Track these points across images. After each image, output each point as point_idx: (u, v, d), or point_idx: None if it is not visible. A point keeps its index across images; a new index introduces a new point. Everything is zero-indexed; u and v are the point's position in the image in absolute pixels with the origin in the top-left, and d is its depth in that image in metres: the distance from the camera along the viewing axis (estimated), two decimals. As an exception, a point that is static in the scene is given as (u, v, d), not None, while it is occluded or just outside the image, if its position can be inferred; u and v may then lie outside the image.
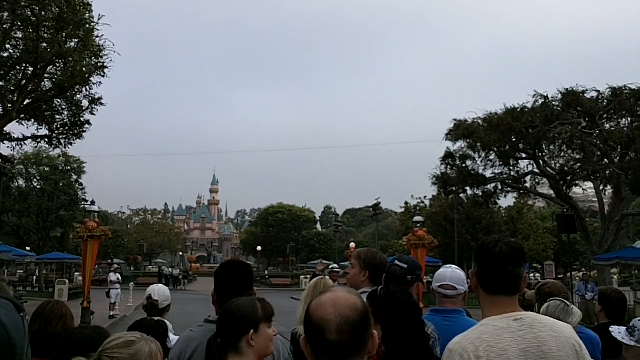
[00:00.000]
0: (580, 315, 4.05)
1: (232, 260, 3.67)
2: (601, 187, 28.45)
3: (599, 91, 26.46)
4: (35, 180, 54.09)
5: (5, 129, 22.74)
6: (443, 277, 3.87)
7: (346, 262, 37.64)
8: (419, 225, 24.66)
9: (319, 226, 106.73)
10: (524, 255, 2.49)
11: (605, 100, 26.12)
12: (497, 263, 2.40)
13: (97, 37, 21.92)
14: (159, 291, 5.09)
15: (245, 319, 2.53)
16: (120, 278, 25.10)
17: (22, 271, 55.91)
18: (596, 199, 30.12)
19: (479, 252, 2.48)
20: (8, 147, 24.65)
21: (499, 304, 2.39)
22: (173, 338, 4.25)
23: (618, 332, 3.70)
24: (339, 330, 1.71)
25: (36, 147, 26.86)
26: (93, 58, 22.14)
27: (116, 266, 27.92)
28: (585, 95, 26.50)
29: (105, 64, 22.30)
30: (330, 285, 4.45)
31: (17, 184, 51.46)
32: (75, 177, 55.51)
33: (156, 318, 4.50)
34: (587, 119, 26.06)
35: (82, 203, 47.07)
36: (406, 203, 52.55)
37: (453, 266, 4.08)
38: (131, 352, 2.01)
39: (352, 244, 45.80)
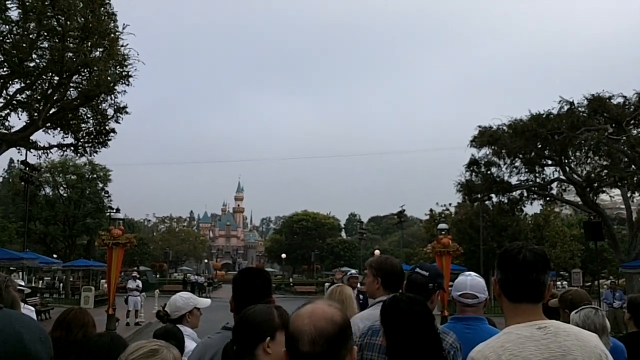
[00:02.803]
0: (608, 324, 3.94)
1: (250, 267, 3.64)
2: (629, 194, 27.93)
3: (625, 97, 26.04)
4: (61, 188, 54.85)
5: (31, 137, 23.10)
6: (463, 285, 3.82)
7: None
8: (443, 232, 24.46)
9: (343, 233, 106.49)
10: (549, 263, 2.43)
11: (632, 106, 25.69)
12: (520, 270, 2.34)
13: (122, 46, 22.19)
14: (172, 302, 4.89)
15: (261, 327, 2.47)
16: (140, 285, 25.16)
17: (48, 278, 56.65)
18: (624, 206, 29.59)
19: (502, 259, 2.44)
20: (35, 155, 25.05)
21: (523, 312, 2.33)
22: (188, 344, 4.13)
23: None
24: (312, 341, 1.71)
25: (62, 155, 27.26)
26: (118, 67, 22.39)
27: (135, 274, 28.03)
28: (612, 100, 26.09)
29: (129, 73, 22.56)
30: (348, 292, 4.59)
31: (43, 192, 52.22)
32: (101, 185, 56.15)
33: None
34: (613, 125, 25.62)
35: (108, 211, 47.58)
36: (431, 210, 52.18)
37: (472, 273, 4.01)
38: None
39: (377, 252, 45.62)
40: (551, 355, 2.19)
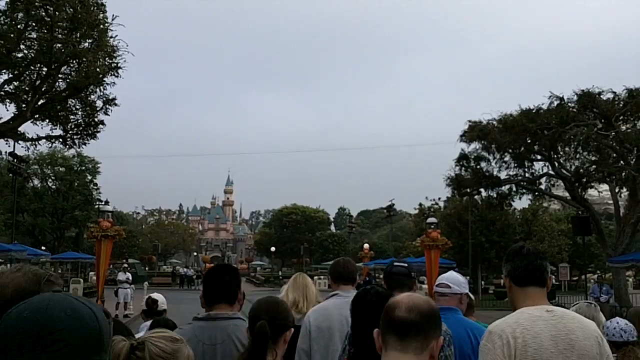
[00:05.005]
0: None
1: (219, 264, 3.90)
2: (617, 189, 28.15)
3: (615, 92, 26.21)
4: (50, 180, 54.51)
5: (19, 129, 22.87)
6: (441, 277, 4.15)
7: (360, 264, 37.52)
8: (432, 226, 24.53)
9: (332, 227, 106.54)
10: (545, 256, 2.94)
11: (622, 102, 25.84)
12: (526, 258, 2.79)
13: (111, 37, 21.93)
14: (160, 298, 5.60)
15: (287, 319, 2.74)
16: (130, 277, 25.11)
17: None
18: (612, 201, 29.81)
19: (510, 255, 2.89)
20: (23, 147, 24.80)
21: (531, 296, 2.75)
22: None
23: None
24: (409, 309, 1.97)
25: (51, 147, 27.06)
26: (107, 58, 22.14)
27: (125, 265, 27.93)
28: (602, 96, 26.23)
29: (119, 65, 22.31)
30: (309, 280, 5.08)
31: (32, 184, 51.82)
32: (90, 177, 55.91)
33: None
34: (603, 121, 25.79)
35: (97, 203, 47.37)
36: (420, 204, 52.32)
37: (455, 272, 4.36)
38: (174, 348, 2.02)
39: (366, 245, 45.63)
40: (557, 332, 2.59)
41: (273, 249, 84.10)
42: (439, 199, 49.40)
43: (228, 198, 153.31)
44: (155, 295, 5.63)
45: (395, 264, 4.05)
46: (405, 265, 4.02)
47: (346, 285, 4.27)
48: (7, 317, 1.18)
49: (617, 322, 4.15)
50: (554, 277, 49.41)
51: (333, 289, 4.29)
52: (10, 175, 32.53)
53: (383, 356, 2.01)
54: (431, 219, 26.05)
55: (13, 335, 1.13)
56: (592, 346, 2.59)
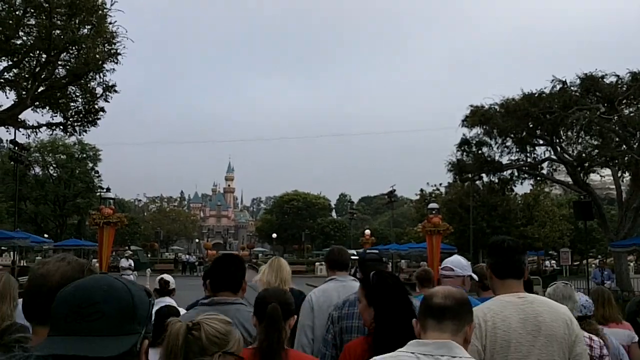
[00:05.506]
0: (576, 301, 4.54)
1: (227, 253, 4.21)
2: (619, 174, 28.03)
3: (618, 76, 25.88)
4: (51, 167, 54.52)
5: (20, 116, 22.80)
6: (446, 261, 4.64)
7: (360, 250, 37.58)
8: (434, 212, 24.55)
9: (334, 214, 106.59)
10: (526, 248, 3.22)
11: (625, 85, 25.57)
12: (506, 254, 3.08)
13: (110, 23, 21.74)
14: (167, 276, 6.81)
15: (292, 306, 2.99)
16: (132, 264, 25.14)
17: (39, 258, 56.55)
18: (614, 186, 29.71)
19: (491, 248, 3.18)
20: (23, 134, 24.75)
21: (508, 286, 3.04)
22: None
23: None
24: (445, 296, 2.23)
25: (51, 134, 26.93)
26: (106, 45, 21.99)
27: (130, 252, 27.94)
28: (605, 80, 25.96)
29: (118, 51, 22.14)
30: (284, 263, 5.40)
31: (33, 172, 51.78)
32: (91, 164, 55.93)
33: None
34: (605, 104, 25.58)
35: (98, 190, 47.40)
36: (421, 190, 52.28)
37: (459, 256, 4.89)
38: (228, 330, 2.15)
39: (367, 232, 45.72)
40: (526, 315, 2.85)
41: (274, 235, 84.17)
42: (440, 184, 49.33)
43: (229, 185, 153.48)
44: (167, 277, 6.75)
45: (368, 251, 4.74)
46: (377, 252, 4.72)
47: (341, 271, 4.71)
48: (59, 294, 1.40)
49: (580, 299, 4.60)
50: (554, 262, 49.55)
51: (329, 274, 4.74)
52: (12, 163, 32.49)
53: (422, 337, 2.21)
54: (432, 205, 26.07)
55: (61, 308, 1.34)
56: (559, 327, 2.84)
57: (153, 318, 3.71)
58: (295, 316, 3.04)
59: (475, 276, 4.67)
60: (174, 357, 2.01)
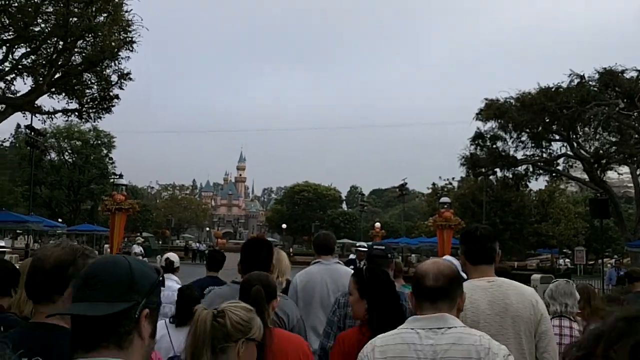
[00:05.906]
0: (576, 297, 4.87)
1: (256, 238, 4.49)
2: (637, 172, 27.66)
3: (639, 71, 25.52)
4: (66, 153, 54.88)
5: (36, 102, 22.97)
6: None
7: (370, 242, 37.38)
8: (446, 206, 24.32)
9: (344, 205, 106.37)
10: (496, 236, 3.41)
11: (646, 81, 25.22)
12: (478, 242, 3.25)
13: (126, 11, 21.90)
14: (173, 256, 7.39)
15: (275, 289, 3.15)
16: (143, 250, 25.42)
17: (53, 242, 57.04)
18: (632, 184, 29.35)
19: (464, 236, 3.41)
20: (40, 120, 24.99)
21: (480, 271, 3.22)
22: (172, 284, 6.27)
23: None
24: (436, 277, 2.33)
25: (67, 120, 27.15)
26: (122, 33, 22.13)
27: (141, 239, 28.14)
28: (625, 75, 25.58)
29: (133, 39, 22.29)
30: (282, 254, 5.45)
31: (49, 157, 52.17)
32: (105, 151, 56.28)
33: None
34: (625, 100, 25.18)
35: (112, 177, 47.59)
36: (433, 184, 52.00)
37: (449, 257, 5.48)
38: (250, 317, 2.29)
39: (377, 224, 45.55)
40: (494, 298, 3.07)
41: (284, 226, 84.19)
42: (453, 178, 48.93)
43: (240, 174, 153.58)
44: (172, 257, 7.30)
45: (375, 247, 4.88)
46: (383, 247, 4.79)
47: (326, 255, 5.12)
48: (81, 271, 1.63)
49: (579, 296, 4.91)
50: (569, 260, 49.13)
51: (316, 258, 5.14)
52: (28, 148, 32.74)
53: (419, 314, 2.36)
54: (444, 199, 25.84)
55: (77, 281, 1.57)
56: (525, 308, 3.04)
57: (176, 297, 4.89)
58: (279, 299, 3.24)
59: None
60: (202, 344, 2.17)
